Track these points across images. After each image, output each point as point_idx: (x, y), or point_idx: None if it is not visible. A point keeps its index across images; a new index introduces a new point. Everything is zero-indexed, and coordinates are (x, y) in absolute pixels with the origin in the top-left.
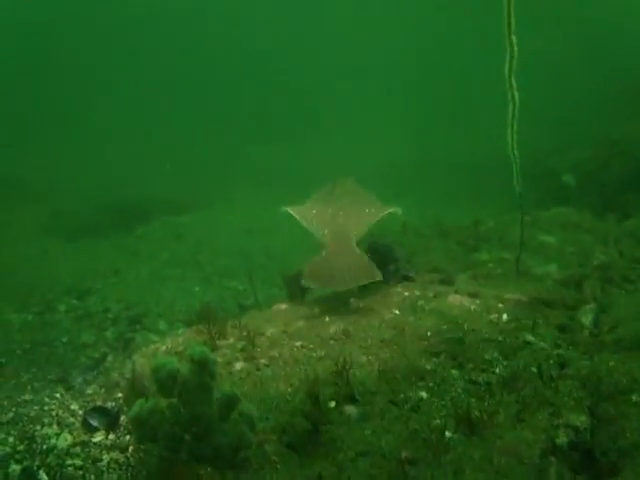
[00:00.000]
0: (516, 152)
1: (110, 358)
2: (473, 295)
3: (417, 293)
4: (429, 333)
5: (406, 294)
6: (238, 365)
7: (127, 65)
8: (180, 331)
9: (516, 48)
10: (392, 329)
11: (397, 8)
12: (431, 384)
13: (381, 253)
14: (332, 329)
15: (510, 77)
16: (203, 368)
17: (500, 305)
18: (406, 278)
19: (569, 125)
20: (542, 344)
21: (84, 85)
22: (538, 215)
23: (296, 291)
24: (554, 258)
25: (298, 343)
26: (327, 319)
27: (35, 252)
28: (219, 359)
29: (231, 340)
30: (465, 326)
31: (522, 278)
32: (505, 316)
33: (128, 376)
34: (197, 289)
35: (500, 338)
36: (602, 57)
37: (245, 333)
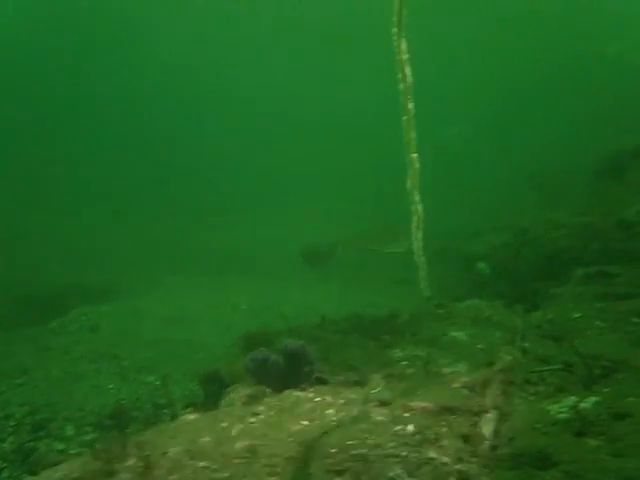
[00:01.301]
0: (423, 258)
1: (6, 474)
2: (381, 403)
3: (328, 400)
4: (334, 450)
5: (318, 400)
6: None
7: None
8: (78, 452)
9: (417, 165)
10: (299, 445)
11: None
12: None
13: (295, 355)
14: (238, 445)
15: (412, 191)
16: None
17: (406, 415)
18: (320, 381)
19: (488, 210)
20: (444, 459)
21: None
22: (452, 308)
23: (212, 391)
24: (464, 356)
25: (202, 464)
26: (234, 432)
27: None
28: None
29: (131, 462)
30: (370, 441)
31: (431, 380)
32: (411, 427)
33: None
34: (111, 386)
35: (404, 453)
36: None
37: (146, 453)
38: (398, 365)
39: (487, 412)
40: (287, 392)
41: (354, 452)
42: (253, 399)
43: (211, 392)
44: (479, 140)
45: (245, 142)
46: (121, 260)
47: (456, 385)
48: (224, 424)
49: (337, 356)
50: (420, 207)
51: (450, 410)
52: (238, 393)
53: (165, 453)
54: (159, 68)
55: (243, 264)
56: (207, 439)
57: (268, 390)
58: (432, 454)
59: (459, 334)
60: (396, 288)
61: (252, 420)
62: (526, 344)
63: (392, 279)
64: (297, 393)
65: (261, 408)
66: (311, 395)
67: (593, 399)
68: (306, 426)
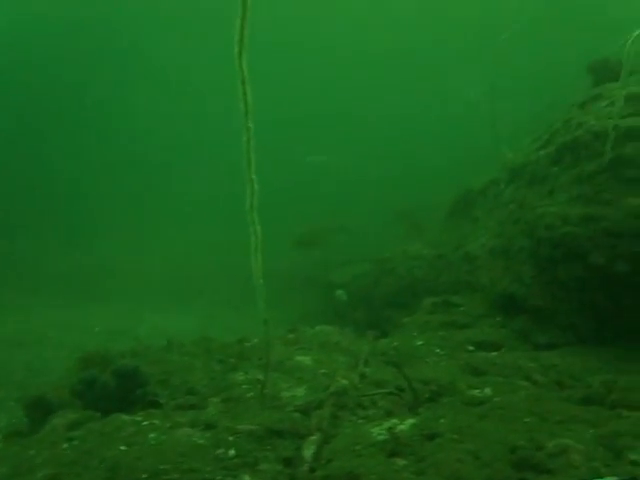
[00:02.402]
0: (261, 281)
1: None
2: (207, 426)
3: (156, 423)
4: (145, 475)
5: (145, 424)
6: None
7: None
8: None
9: (256, 186)
10: (108, 471)
11: None
12: None
13: (127, 377)
14: (40, 474)
15: (252, 212)
16: None
17: (231, 438)
18: (153, 404)
19: (356, 240)
20: None
21: None
22: (302, 333)
23: (37, 417)
24: (305, 380)
25: None
26: (39, 460)
27: None
28: None
29: None
30: (185, 465)
31: (267, 403)
32: (232, 451)
33: None
34: None
35: (219, 478)
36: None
37: None
38: (239, 388)
39: (312, 435)
40: (114, 416)
41: (165, 477)
42: (76, 424)
43: (37, 418)
44: (353, 169)
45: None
46: None
47: (289, 409)
48: (32, 452)
49: (179, 379)
50: (259, 229)
51: (277, 433)
52: (62, 419)
53: None
54: None
55: (104, 284)
56: (3, 470)
57: (96, 414)
58: (247, 478)
59: (305, 359)
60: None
61: (65, 447)
62: (367, 369)
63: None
64: (124, 417)
65: (77, 433)
66: (139, 419)
67: (411, 421)
68: (122, 451)
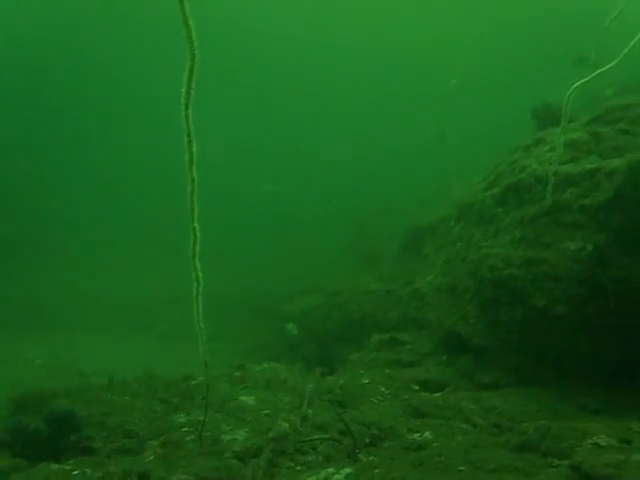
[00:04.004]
0: (202, 324)
1: None
2: (140, 477)
3: (88, 472)
4: None
5: (75, 473)
6: None
7: None
8: None
9: (199, 234)
10: None
11: None
12: None
13: (60, 422)
14: None
15: (194, 259)
16: None
17: None
18: (87, 450)
19: (311, 271)
20: None
21: None
22: (249, 370)
23: None
24: (248, 422)
25: None
26: None
27: None
28: None
29: None
30: None
31: (206, 448)
32: None
33: None
34: None
35: None
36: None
37: None
38: (179, 431)
39: None
40: (42, 465)
41: None
42: (1, 475)
43: None
44: (298, 198)
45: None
46: None
47: (228, 454)
48: None
49: (117, 420)
50: (201, 275)
51: None
52: None
53: None
54: None
55: (51, 314)
56: None
57: (24, 463)
58: None
59: (248, 398)
60: (211, 344)
61: None
62: (310, 411)
63: (210, 335)
64: (53, 466)
65: None
66: (69, 468)
67: (347, 470)
68: None
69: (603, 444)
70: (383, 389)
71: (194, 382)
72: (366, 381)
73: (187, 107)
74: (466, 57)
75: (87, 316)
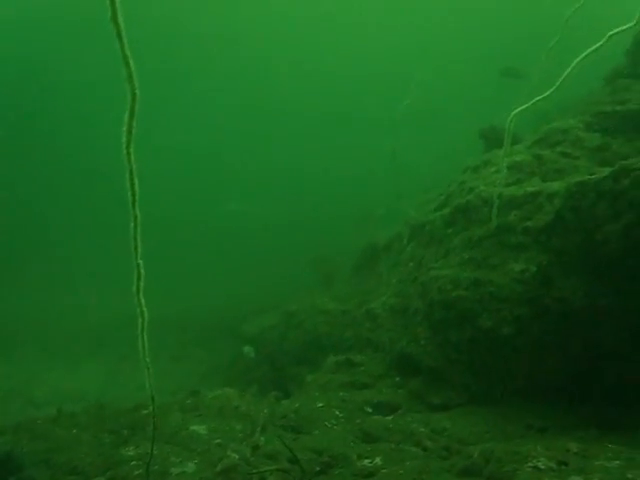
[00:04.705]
0: (148, 359)
1: None
2: None
3: None
4: None
5: None
6: None
7: None
8: None
9: (142, 271)
10: None
11: None
12: None
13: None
14: None
15: (138, 294)
16: None
17: None
18: None
19: (270, 288)
20: None
21: None
22: (201, 398)
23: None
24: (199, 453)
25: None
26: None
27: None
28: None
29: None
30: None
31: None
32: None
33: None
34: None
35: None
36: None
37: None
38: (127, 465)
39: None
40: None
41: None
42: None
43: None
44: (267, 217)
45: None
46: None
47: None
48: None
49: (63, 456)
50: (145, 311)
51: None
52: None
53: None
54: None
55: (2, 336)
56: None
57: None
58: None
59: (200, 428)
60: (170, 366)
61: None
62: (262, 439)
63: (169, 356)
64: None
65: None
66: None
67: None
68: None
69: (542, 467)
70: (337, 412)
71: (145, 412)
72: (320, 405)
73: (128, 145)
74: (419, 78)
75: (43, 339)
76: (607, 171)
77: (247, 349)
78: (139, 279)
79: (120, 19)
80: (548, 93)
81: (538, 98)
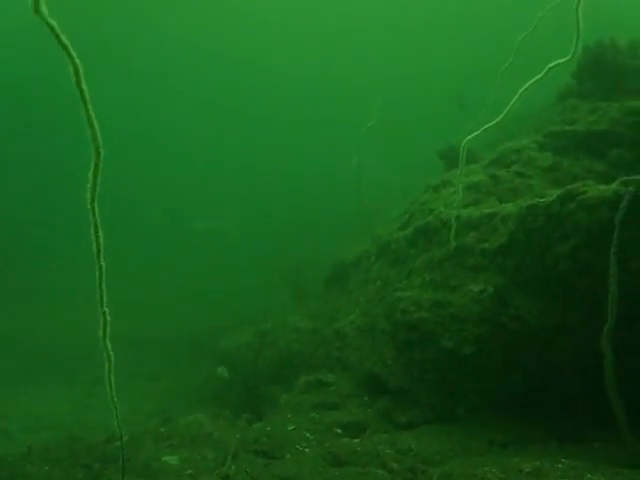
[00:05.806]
0: (115, 399)
1: None
2: None
3: None
4: None
5: None
6: None
7: None
8: None
9: (109, 317)
10: None
11: None
12: None
13: None
14: None
15: (104, 340)
16: None
17: None
18: None
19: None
20: None
21: None
22: (174, 425)
23: None
24: None
25: None
26: None
27: None
28: None
29: None
30: None
31: None
32: None
33: None
34: None
35: None
36: None
37: None
38: None
39: None
40: None
41: None
42: None
43: None
44: (240, 235)
45: None
46: None
47: None
48: None
49: None
50: (112, 354)
51: None
52: None
53: None
54: None
55: None
56: None
57: None
58: None
59: (172, 458)
60: (146, 386)
61: None
62: (233, 467)
63: (145, 375)
64: None
65: None
66: None
67: None
68: None
69: None
70: (308, 435)
71: (117, 443)
72: (292, 427)
73: (93, 201)
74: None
75: (17, 366)
76: (555, 195)
77: (220, 370)
78: (105, 325)
79: (84, 84)
80: (495, 122)
81: (487, 126)
